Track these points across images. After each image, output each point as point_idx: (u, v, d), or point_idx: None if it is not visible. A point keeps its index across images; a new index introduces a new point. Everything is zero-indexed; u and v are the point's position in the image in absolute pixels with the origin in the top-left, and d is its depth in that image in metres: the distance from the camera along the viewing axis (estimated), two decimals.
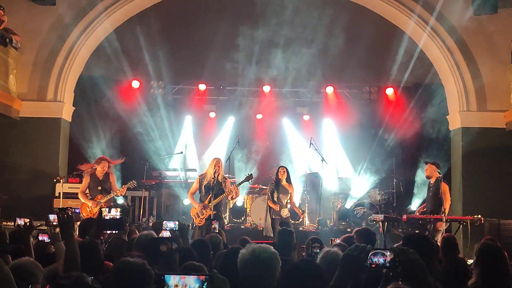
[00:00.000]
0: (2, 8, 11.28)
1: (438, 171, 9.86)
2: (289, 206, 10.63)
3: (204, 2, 13.42)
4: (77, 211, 10.98)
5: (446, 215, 9.39)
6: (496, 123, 12.13)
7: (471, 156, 12.10)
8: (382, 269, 2.77)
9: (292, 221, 11.71)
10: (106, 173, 10.25)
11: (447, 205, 9.57)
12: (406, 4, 12.26)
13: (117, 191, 10.17)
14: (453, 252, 6.12)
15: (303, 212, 11.11)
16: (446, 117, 13.04)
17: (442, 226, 9.39)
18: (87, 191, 10.26)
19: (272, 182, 10.82)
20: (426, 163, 10.08)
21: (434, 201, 9.61)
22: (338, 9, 12.91)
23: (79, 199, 10.87)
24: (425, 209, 9.93)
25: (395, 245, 3.83)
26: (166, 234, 6.20)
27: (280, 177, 10.58)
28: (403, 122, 15.31)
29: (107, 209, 5.45)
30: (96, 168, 10.22)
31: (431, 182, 9.87)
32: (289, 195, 10.57)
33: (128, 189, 10.61)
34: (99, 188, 10.17)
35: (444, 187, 9.72)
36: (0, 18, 11.26)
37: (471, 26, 12.20)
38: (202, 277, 3.07)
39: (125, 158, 11.08)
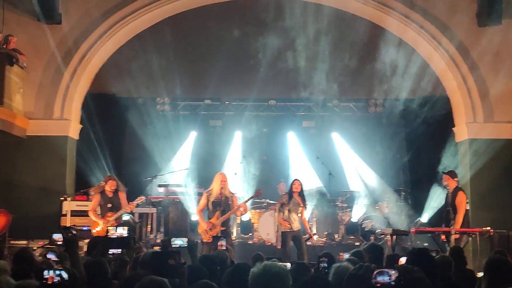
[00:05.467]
0: (12, 35, 11.51)
1: (456, 180, 9.83)
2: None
3: (208, 19, 13.47)
4: (85, 228, 11.04)
5: (459, 226, 9.31)
6: (503, 134, 12.09)
7: (478, 168, 12.02)
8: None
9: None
10: (115, 190, 10.28)
11: (460, 216, 9.47)
12: (410, 17, 12.27)
13: (127, 207, 10.20)
14: (461, 264, 6.06)
15: (314, 234, 10.90)
16: (453, 129, 12.99)
17: (463, 239, 9.31)
18: (98, 209, 10.28)
19: (285, 194, 10.59)
20: (443, 173, 10.05)
21: (451, 210, 9.46)
22: (344, 23, 12.94)
23: (86, 217, 10.94)
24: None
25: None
26: None
27: (294, 190, 10.39)
28: (410, 135, 15.30)
29: (114, 228, 5.43)
30: (104, 186, 10.27)
31: (450, 192, 9.77)
32: (301, 209, 10.38)
33: (137, 205, 10.63)
34: (109, 205, 10.19)
35: (461, 196, 9.62)
36: (10, 42, 11.44)
37: (476, 38, 12.19)
38: None
39: (127, 188, 10.98)
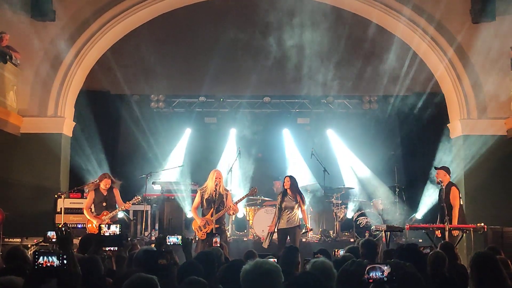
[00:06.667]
0: (5, 33, 11.50)
1: (449, 176, 9.83)
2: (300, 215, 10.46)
3: (203, 15, 13.45)
4: (79, 226, 11.02)
5: (453, 222, 9.31)
6: (497, 130, 12.12)
7: (472, 164, 12.05)
8: (380, 283, 2.74)
9: None
10: (110, 187, 10.25)
11: (455, 212, 9.48)
12: (404, 14, 12.27)
13: (122, 206, 10.17)
14: (452, 259, 6.07)
15: (311, 229, 11.12)
16: (447, 125, 13.01)
17: (457, 234, 9.30)
18: (92, 207, 10.24)
19: (280, 193, 10.65)
20: (436, 169, 10.06)
21: (445, 206, 9.47)
22: (338, 19, 12.93)
23: (81, 214, 10.91)
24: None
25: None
26: None
27: (285, 187, 10.48)
28: (404, 131, 15.31)
29: (106, 226, 5.41)
30: (99, 184, 10.23)
31: (443, 187, 9.77)
32: (297, 204, 10.37)
33: (133, 204, 10.60)
34: (104, 204, 10.15)
35: (454, 192, 9.62)
36: (3, 39, 11.41)
37: (470, 34, 12.21)
38: None
39: (122, 181, 10.95)
